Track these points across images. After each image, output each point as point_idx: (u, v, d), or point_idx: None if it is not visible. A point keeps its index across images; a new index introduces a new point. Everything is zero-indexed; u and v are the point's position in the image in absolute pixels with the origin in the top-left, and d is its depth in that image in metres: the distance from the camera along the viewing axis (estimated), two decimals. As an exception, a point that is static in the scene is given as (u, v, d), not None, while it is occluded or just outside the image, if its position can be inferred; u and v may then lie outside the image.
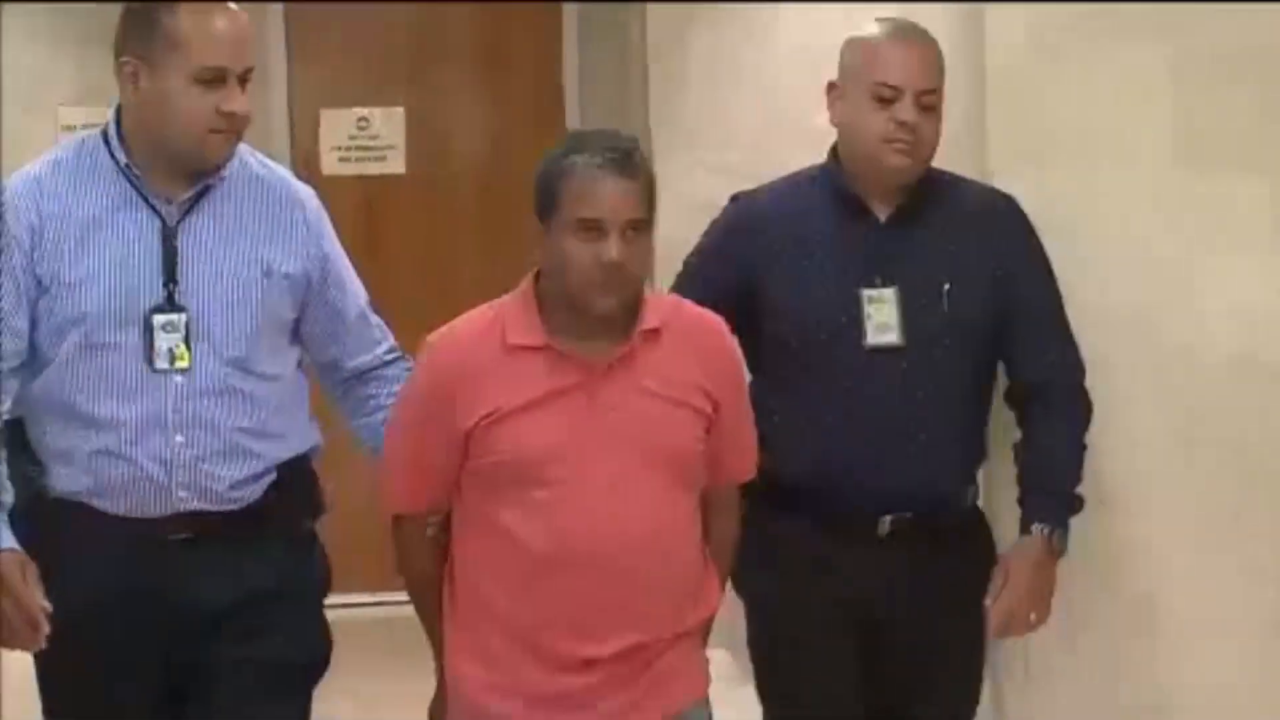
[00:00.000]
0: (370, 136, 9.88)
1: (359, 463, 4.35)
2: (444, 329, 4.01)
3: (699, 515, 3.95)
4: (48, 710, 4.23)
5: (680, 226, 4.83)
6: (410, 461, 3.97)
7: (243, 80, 3.99)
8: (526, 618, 3.86)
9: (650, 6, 9.29)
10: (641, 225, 3.74)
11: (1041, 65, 5.04)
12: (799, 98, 6.78)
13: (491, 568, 3.89)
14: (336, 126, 9.82)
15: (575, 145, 3.85)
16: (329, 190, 8.51)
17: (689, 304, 4.12)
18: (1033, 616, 4.05)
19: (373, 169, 9.72)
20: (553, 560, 3.79)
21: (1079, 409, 4.17)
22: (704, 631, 4.08)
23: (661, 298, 4.10)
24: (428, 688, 4.11)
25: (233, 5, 4.13)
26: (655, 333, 3.82)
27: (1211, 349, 4.16)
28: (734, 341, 4.18)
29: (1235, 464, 4.14)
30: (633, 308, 3.80)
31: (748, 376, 4.27)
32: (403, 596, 4.16)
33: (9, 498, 4.00)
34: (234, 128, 4.00)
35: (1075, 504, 4.12)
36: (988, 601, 4.16)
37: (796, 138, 6.69)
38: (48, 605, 3.87)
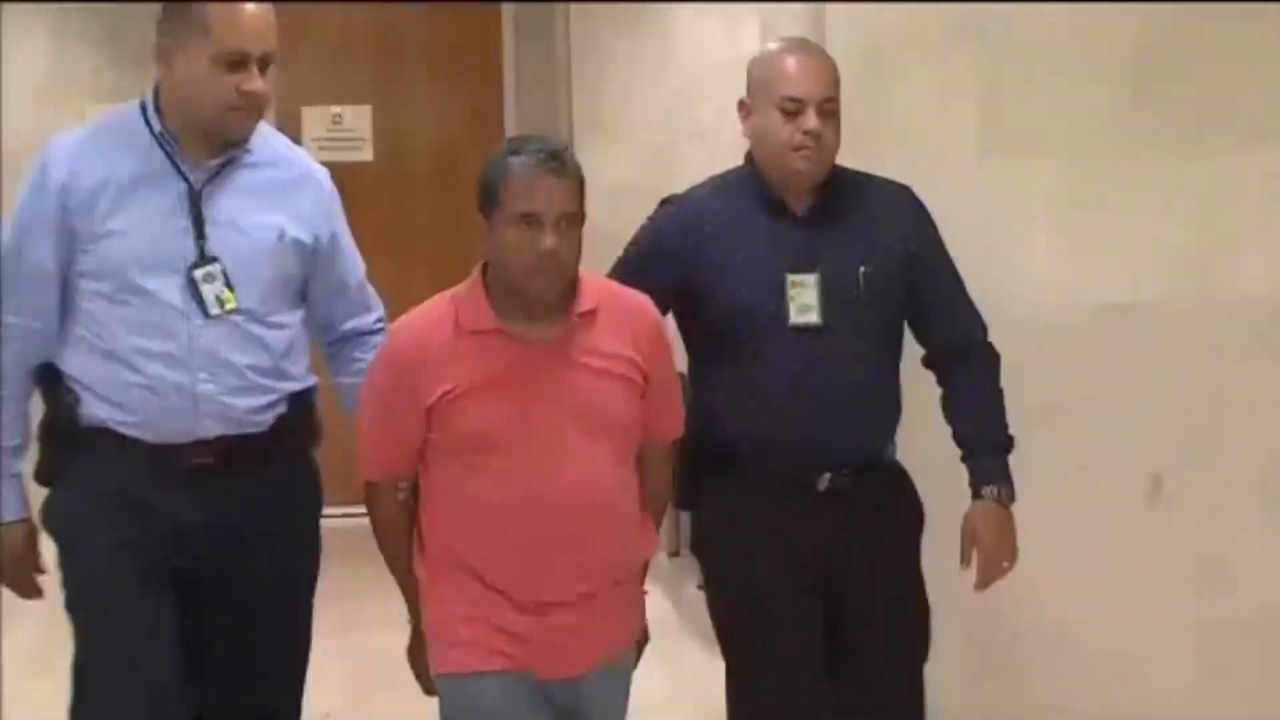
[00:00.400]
0: (344, 130, 11.19)
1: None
2: (404, 318, 4.30)
3: (635, 472, 4.26)
4: (81, 640, 4.49)
5: (598, 208, 4.95)
6: (380, 437, 4.24)
7: (262, 64, 4.31)
8: (491, 570, 4.12)
9: (572, 10, 10.73)
10: (574, 218, 4.04)
11: (873, 71, 5.90)
12: (693, 97, 8.00)
13: (459, 527, 4.18)
14: (315, 122, 11.11)
15: (513, 148, 4.13)
16: None
17: (618, 285, 4.43)
18: (1005, 564, 4.41)
19: (346, 158, 10.71)
20: (511, 519, 4.08)
21: (992, 361, 4.56)
22: (642, 573, 4.43)
23: (594, 280, 4.34)
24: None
25: None
26: (591, 313, 4.12)
27: (1008, 312, 4.68)
28: (659, 317, 4.48)
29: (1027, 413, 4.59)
30: (569, 292, 4.09)
31: (681, 353, 4.67)
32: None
33: (20, 464, 4.45)
34: (253, 105, 4.32)
35: (1009, 446, 4.51)
36: (962, 564, 4.51)
37: (692, 133, 8.00)
38: (45, 568, 4.42)
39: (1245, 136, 5.21)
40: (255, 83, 4.20)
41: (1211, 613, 5.11)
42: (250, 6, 4.28)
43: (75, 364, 4.27)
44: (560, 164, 3.98)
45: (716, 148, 6.41)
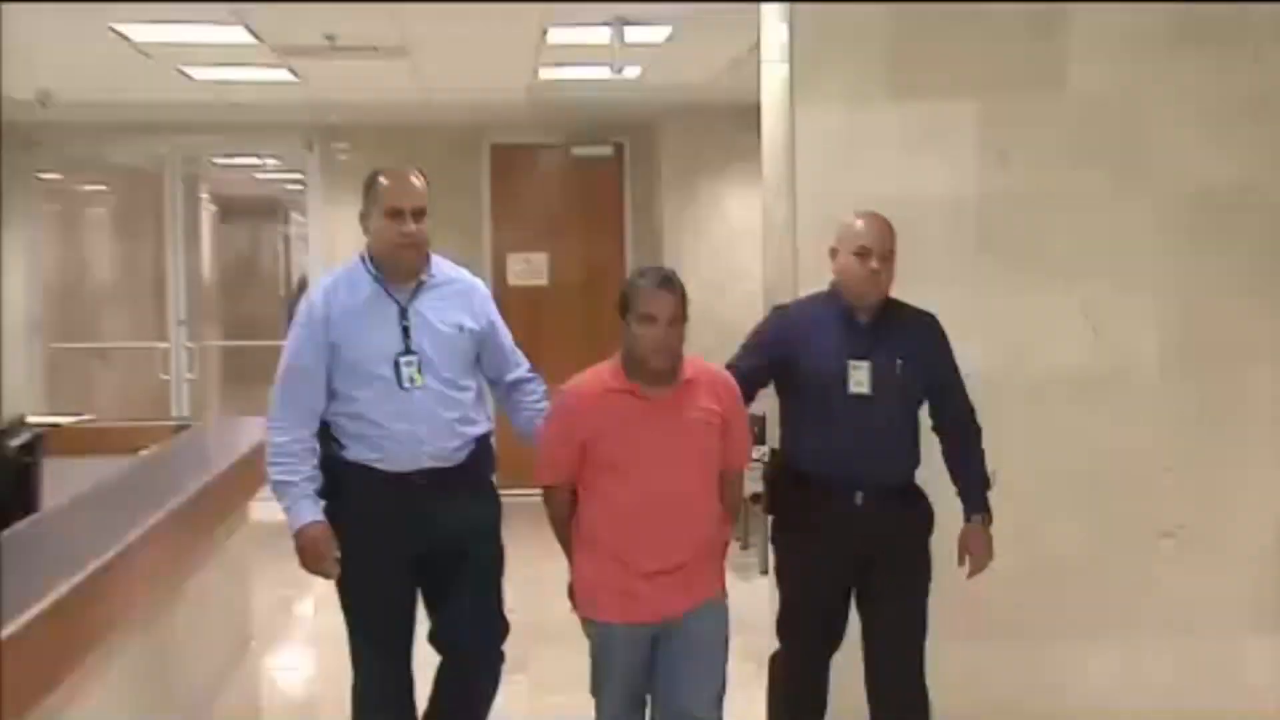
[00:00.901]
0: (531, 267, 15.13)
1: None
2: (572, 380, 5.33)
3: (715, 486, 5.33)
4: (350, 613, 5.53)
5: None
6: (553, 459, 5.29)
7: (416, 215, 5.29)
8: (618, 546, 5.21)
9: (664, 192, 14.54)
10: (678, 319, 5.07)
11: (848, 124, 7.17)
12: (740, 240, 10.64)
13: (600, 516, 5.24)
14: (515, 261, 15.12)
15: (640, 273, 5.27)
16: (512, 293, 14.34)
17: (707, 363, 5.43)
18: (986, 562, 5.73)
19: (532, 283, 14.97)
20: (634, 513, 5.16)
21: (977, 433, 5.79)
22: (722, 552, 5.48)
23: (694, 360, 5.31)
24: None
25: (412, 171, 5.46)
26: (690, 381, 5.20)
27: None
28: (736, 386, 5.46)
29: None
30: (676, 366, 5.14)
31: (769, 409, 6.10)
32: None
33: (318, 485, 5.37)
34: (412, 243, 5.30)
35: (989, 488, 5.77)
36: (960, 566, 5.74)
37: (735, 268, 10.81)
38: (337, 554, 5.33)
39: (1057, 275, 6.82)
40: (409, 226, 5.26)
41: (1024, 559, 6.49)
42: (404, 176, 5.38)
43: (338, 424, 5.43)
44: (670, 283, 5.10)
45: (745, 275, 9.18)
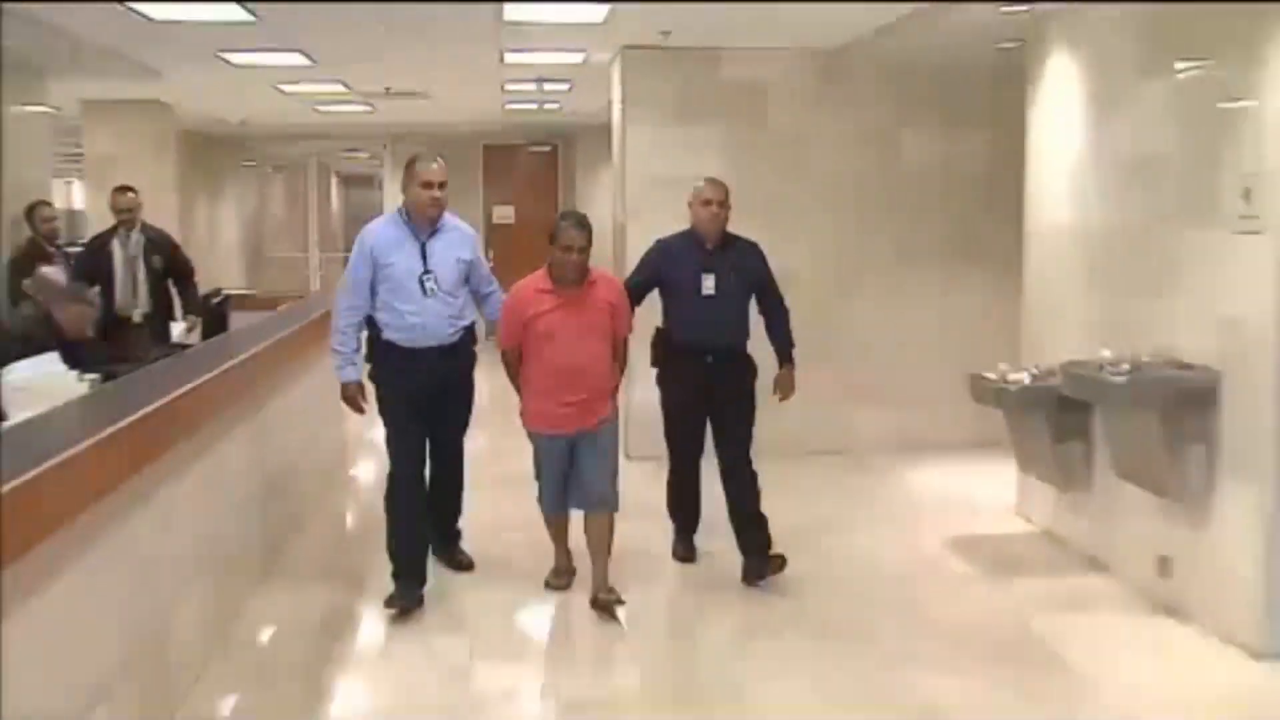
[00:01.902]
0: (505, 212, 14.92)
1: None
2: (517, 283, 4.98)
3: (610, 348, 4.96)
4: (387, 424, 5.13)
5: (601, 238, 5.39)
6: (507, 332, 4.94)
7: (440, 186, 4.97)
8: (546, 387, 4.90)
9: (578, 163, 14.61)
10: (586, 248, 4.78)
11: (654, 139, 7.54)
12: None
13: (535, 370, 4.92)
14: (497, 210, 14.89)
15: (562, 216, 4.92)
16: (496, 228, 14.71)
17: (602, 270, 5.08)
18: (789, 394, 5.39)
19: (506, 221, 14.81)
20: (556, 366, 4.85)
21: (786, 317, 5.44)
22: (614, 390, 5.08)
23: (595, 268, 4.94)
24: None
25: (437, 158, 5.05)
26: (593, 283, 4.87)
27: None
28: (622, 285, 5.20)
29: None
30: (583, 275, 4.83)
31: (644, 303, 5.42)
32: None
33: (361, 356, 5.13)
34: (437, 204, 4.98)
35: (792, 348, 5.42)
36: (774, 395, 5.40)
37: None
38: (367, 407, 5.17)
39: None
40: (436, 193, 4.95)
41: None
42: (433, 164, 4.99)
43: (379, 315, 5.05)
44: (581, 225, 4.78)
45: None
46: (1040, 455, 5.68)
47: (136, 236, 7.41)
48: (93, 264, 7.20)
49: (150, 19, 6.37)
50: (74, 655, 3.10)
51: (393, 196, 15.83)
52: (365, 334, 5.11)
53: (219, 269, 13.44)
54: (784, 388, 5.39)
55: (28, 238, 7.48)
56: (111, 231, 7.43)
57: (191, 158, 13.54)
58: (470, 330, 5.17)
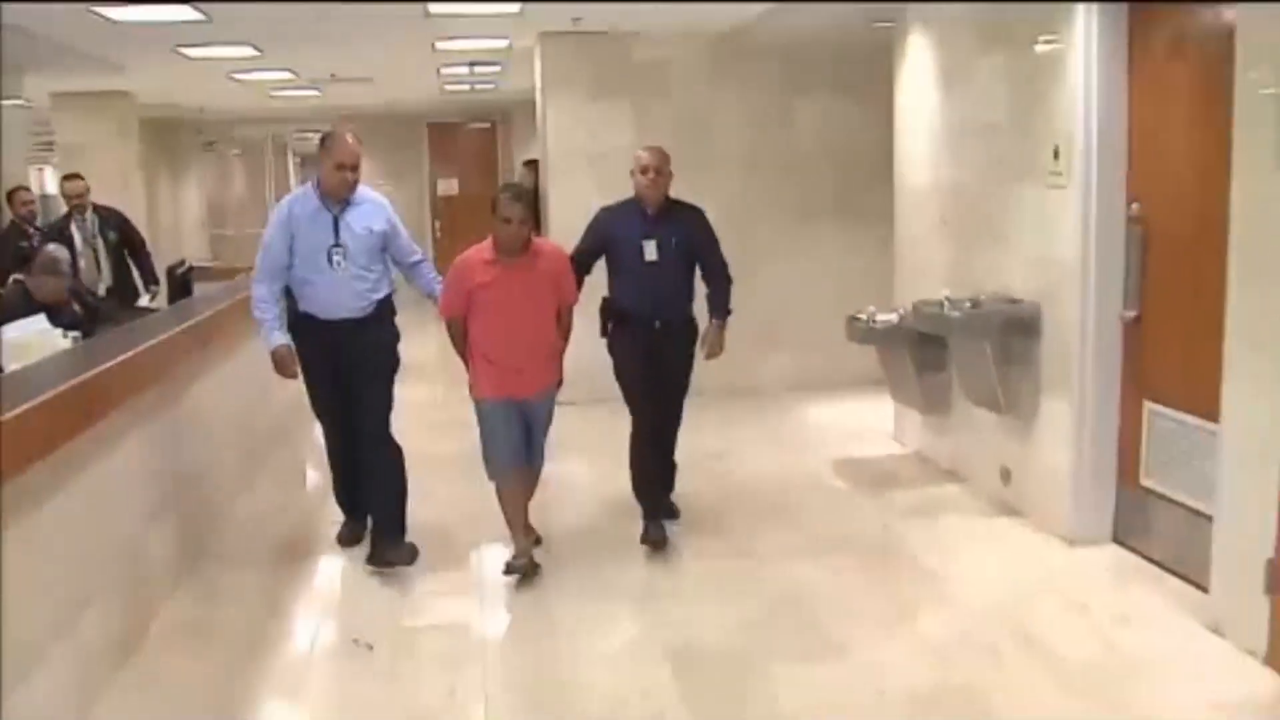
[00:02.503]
0: (449, 185, 15.23)
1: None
2: (462, 253, 4.80)
3: (554, 316, 4.81)
4: (310, 394, 5.13)
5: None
6: (451, 302, 4.77)
7: (353, 168, 4.80)
8: (493, 354, 4.74)
9: (513, 135, 14.59)
10: (526, 220, 4.64)
11: (572, 116, 7.92)
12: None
13: (481, 338, 4.74)
14: (441, 183, 15.21)
15: (503, 188, 4.82)
16: (440, 200, 14.86)
17: (547, 241, 5.19)
18: (718, 352, 5.25)
19: (450, 194, 15.14)
20: (500, 334, 4.71)
21: (728, 281, 5.23)
22: (558, 356, 4.91)
23: (539, 240, 4.85)
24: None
25: (351, 134, 4.88)
26: (535, 252, 4.71)
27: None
28: (565, 254, 4.97)
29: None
30: (524, 245, 4.66)
31: (581, 273, 5.06)
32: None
33: (281, 322, 4.90)
34: (349, 185, 4.82)
35: (728, 312, 5.25)
36: (700, 349, 5.23)
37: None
38: (297, 366, 4.95)
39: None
40: (348, 175, 4.80)
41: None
42: (349, 141, 4.84)
43: (294, 288, 4.92)
44: (520, 197, 4.68)
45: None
46: (906, 385, 6.25)
47: (91, 217, 7.88)
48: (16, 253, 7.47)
49: (112, 20, 6.72)
50: (66, 562, 3.57)
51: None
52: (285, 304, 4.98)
53: (184, 243, 13.81)
54: (712, 344, 5.25)
55: (10, 220, 7.89)
56: (67, 216, 7.85)
57: (154, 142, 13.83)
58: (385, 303, 4.97)
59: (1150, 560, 4.69)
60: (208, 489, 5.45)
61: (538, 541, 5.02)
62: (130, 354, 4.16)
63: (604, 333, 5.20)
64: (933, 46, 6.32)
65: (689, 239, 5.12)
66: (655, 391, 5.14)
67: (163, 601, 4.56)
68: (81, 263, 7.56)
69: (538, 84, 8.47)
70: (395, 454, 5.01)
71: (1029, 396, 5.29)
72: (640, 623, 4.41)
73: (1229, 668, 3.82)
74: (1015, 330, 5.24)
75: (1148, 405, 4.69)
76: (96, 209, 7.96)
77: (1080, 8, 4.74)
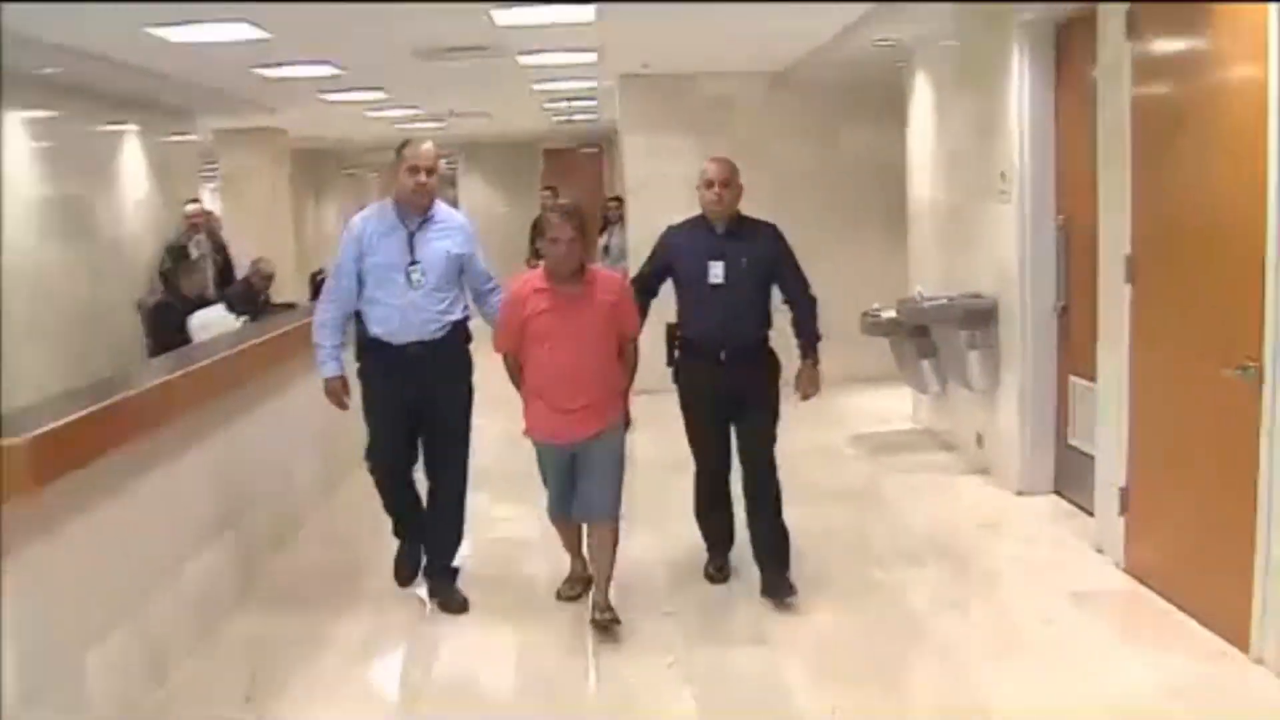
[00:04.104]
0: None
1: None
2: (516, 280, 4.48)
3: (612, 352, 4.36)
4: (369, 424, 4.66)
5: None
6: (505, 335, 4.40)
7: (428, 172, 4.45)
8: (545, 391, 4.34)
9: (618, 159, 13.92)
10: (576, 239, 4.18)
11: (646, 146, 9.14)
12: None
13: (533, 373, 4.35)
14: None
15: (550, 208, 4.51)
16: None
17: (602, 269, 4.64)
18: (813, 392, 4.72)
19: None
20: (552, 371, 4.30)
21: (813, 303, 4.70)
22: (619, 395, 4.44)
23: (593, 268, 4.42)
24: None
25: (427, 141, 4.54)
26: (590, 281, 4.30)
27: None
28: (626, 282, 4.66)
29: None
30: (580, 272, 4.25)
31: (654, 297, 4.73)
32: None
33: (341, 350, 4.64)
34: (424, 193, 4.46)
35: (818, 340, 4.69)
36: (795, 391, 4.72)
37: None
38: (348, 403, 4.65)
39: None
40: (422, 178, 4.45)
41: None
42: (423, 145, 4.51)
43: (364, 309, 4.57)
44: (568, 215, 4.23)
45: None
46: (908, 369, 7.35)
47: (201, 238, 9.02)
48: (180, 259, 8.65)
49: (266, 78, 8.32)
50: (231, 473, 4.83)
51: (468, 193, 17.93)
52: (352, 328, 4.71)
53: (324, 254, 15.40)
54: (805, 385, 4.72)
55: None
56: (186, 234, 8.96)
57: (302, 168, 15.55)
58: (461, 327, 4.64)
59: (1079, 506, 5.66)
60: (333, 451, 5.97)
61: (615, 622, 4.38)
62: (275, 334, 5.48)
63: (669, 361, 4.79)
64: (929, 85, 7.48)
65: (762, 259, 4.64)
66: (720, 433, 4.71)
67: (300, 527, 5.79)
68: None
69: (618, 118, 9.78)
70: (463, 501, 4.80)
71: (992, 375, 6.38)
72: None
73: (1094, 571, 4.91)
74: (978, 321, 6.34)
75: (1072, 379, 5.74)
76: (208, 234, 9.08)
77: (1014, 56, 5.85)
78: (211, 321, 6.60)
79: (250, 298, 7.73)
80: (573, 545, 4.70)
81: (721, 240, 4.61)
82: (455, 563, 4.83)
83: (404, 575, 4.82)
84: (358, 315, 4.58)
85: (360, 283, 4.51)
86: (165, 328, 7.00)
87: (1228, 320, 3.96)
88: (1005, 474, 6.23)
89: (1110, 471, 4.95)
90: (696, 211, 4.69)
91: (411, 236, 4.50)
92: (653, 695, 3.94)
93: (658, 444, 5.02)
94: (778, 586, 4.62)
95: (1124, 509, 4.83)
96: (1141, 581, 4.67)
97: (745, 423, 4.66)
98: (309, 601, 4.80)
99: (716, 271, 4.57)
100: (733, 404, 4.62)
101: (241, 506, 4.93)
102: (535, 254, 10.38)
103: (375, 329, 4.54)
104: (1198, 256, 4.21)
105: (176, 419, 4.15)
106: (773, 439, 4.68)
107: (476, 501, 5.04)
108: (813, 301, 4.71)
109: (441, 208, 4.62)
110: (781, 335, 4.74)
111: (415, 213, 4.51)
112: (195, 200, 9.35)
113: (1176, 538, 4.47)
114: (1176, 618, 4.32)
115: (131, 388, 3.92)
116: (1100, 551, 5.04)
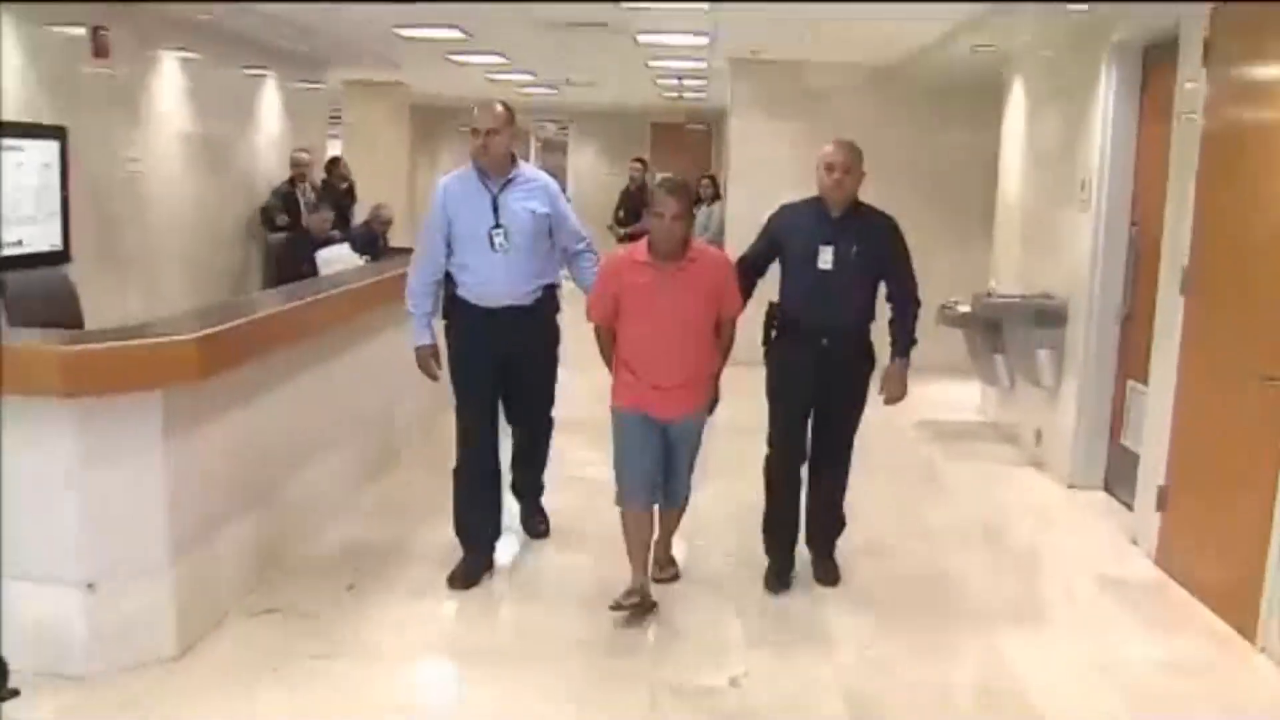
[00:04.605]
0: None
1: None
2: (615, 253, 4.54)
3: (708, 333, 4.30)
4: (456, 389, 4.60)
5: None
6: (599, 305, 4.31)
7: (489, 133, 4.37)
8: (636, 365, 4.27)
9: (726, 135, 13.96)
10: (680, 215, 4.12)
11: (752, 128, 9.55)
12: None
13: (625, 346, 4.28)
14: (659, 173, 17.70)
15: (659, 182, 4.36)
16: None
17: (707, 245, 4.49)
18: (899, 394, 4.58)
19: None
20: (645, 347, 4.24)
21: (914, 308, 4.55)
22: (712, 378, 4.37)
23: (697, 244, 4.31)
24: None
25: (495, 103, 4.47)
26: (693, 259, 4.22)
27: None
28: (729, 261, 4.46)
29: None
30: (680, 248, 4.16)
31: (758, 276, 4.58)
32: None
33: (433, 316, 4.59)
34: (489, 151, 4.39)
35: (913, 344, 4.56)
36: (880, 393, 4.57)
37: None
38: (440, 371, 4.63)
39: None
40: (482, 139, 4.40)
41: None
42: (486, 107, 4.46)
43: (454, 272, 4.55)
44: (675, 191, 4.18)
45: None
46: (979, 362, 7.64)
47: (305, 186, 9.46)
48: (287, 202, 9.22)
49: (403, 36, 8.88)
50: (345, 396, 5.36)
51: (576, 163, 18.41)
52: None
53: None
54: (891, 387, 4.60)
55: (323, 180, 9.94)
56: (291, 182, 9.40)
57: (419, 124, 16.14)
58: (552, 291, 4.64)
59: (1124, 503, 5.89)
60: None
61: (675, 577, 4.68)
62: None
63: (765, 341, 4.67)
64: (1024, 93, 7.75)
65: (874, 251, 4.49)
66: (802, 418, 4.61)
67: (401, 450, 6.41)
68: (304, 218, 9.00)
69: (729, 99, 10.17)
70: (547, 445, 5.00)
71: (1056, 373, 6.67)
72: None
73: (1126, 561, 5.23)
74: (1048, 320, 6.64)
75: (1130, 383, 6.02)
76: (313, 186, 9.51)
77: (1102, 72, 6.13)
78: (337, 258, 7.27)
79: (371, 240, 8.34)
80: (643, 546, 4.38)
81: (835, 226, 4.48)
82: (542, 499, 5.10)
83: (459, 582, 4.55)
84: (449, 276, 4.56)
85: (448, 247, 4.50)
86: (294, 261, 7.62)
87: (1266, 335, 4.26)
88: (1059, 469, 6.52)
89: (1152, 470, 5.26)
90: (802, 195, 4.59)
91: (495, 199, 4.47)
92: (712, 631, 4.25)
93: (736, 411, 4.82)
94: (824, 571, 4.76)
95: (1160, 505, 5.15)
96: (1168, 573, 4.99)
97: (832, 411, 4.58)
98: (406, 515, 5.26)
99: (826, 257, 4.46)
100: (823, 392, 4.54)
101: (353, 428, 5.50)
102: (618, 221, 11.07)
103: (463, 291, 4.53)
104: (1248, 272, 4.49)
105: (306, 341, 4.71)
106: (854, 431, 4.63)
107: (562, 445, 5.22)
108: (917, 305, 4.58)
109: (525, 168, 4.59)
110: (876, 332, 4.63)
111: (496, 174, 4.48)
112: (304, 150, 9.72)
113: (1202, 533, 4.79)
114: (1193, 607, 4.65)
115: (271, 307, 4.52)
116: (1135, 543, 5.35)
